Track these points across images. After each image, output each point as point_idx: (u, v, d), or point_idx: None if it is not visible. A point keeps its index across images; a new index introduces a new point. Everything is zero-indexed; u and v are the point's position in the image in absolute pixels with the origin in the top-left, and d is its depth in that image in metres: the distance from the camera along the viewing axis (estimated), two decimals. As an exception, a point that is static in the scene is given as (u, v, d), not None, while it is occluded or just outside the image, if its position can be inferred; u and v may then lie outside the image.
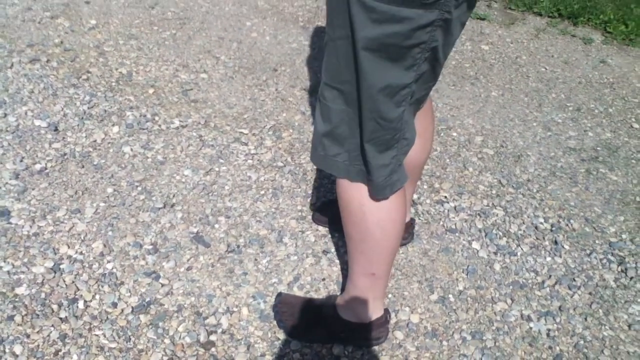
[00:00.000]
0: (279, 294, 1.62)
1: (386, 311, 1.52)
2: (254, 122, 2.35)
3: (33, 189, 1.95)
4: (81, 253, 1.75)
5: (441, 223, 1.95)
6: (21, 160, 2.05)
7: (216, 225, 1.87)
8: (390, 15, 0.98)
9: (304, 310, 1.55)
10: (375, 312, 1.48)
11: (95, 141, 2.17)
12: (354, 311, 1.48)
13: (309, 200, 2.00)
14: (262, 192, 2.02)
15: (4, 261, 1.70)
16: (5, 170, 2.01)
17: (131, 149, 2.15)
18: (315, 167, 2.15)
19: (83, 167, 2.06)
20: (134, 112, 2.32)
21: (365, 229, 1.30)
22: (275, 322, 1.59)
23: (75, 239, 1.79)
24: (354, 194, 1.25)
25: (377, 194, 1.23)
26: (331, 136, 1.19)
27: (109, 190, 1.97)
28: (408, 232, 1.82)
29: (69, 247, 1.76)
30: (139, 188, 1.99)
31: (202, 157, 2.16)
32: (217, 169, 2.11)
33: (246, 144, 2.23)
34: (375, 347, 1.55)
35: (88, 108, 2.32)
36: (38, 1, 3.00)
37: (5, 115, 2.24)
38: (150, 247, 1.79)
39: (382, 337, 1.53)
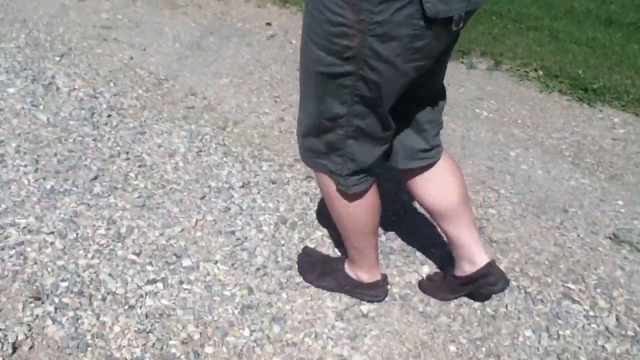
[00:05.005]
0: (305, 247, 1.94)
1: (384, 276, 1.79)
2: (572, 273, 2.02)
3: (365, 336, 1.65)
4: None
5: None
6: (339, 300, 1.78)
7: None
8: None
9: (320, 263, 1.85)
10: (372, 276, 1.75)
11: (409, 282, 1.89)
12: (355, 272, 1.76)
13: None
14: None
15: None
16: (326, 308, 1.73)
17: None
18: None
19: (408, 313, 1.76)
20: (440, 252, 2.04)
21: (334, 211, 1.62)
22: None
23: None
24: (324, 180, 1.55)
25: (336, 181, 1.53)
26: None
27: (452, 348, 1.65)
28: (496, 276, 1.68)
29: None
30: (483, 349, 1.66)
31: (536, 314, 1.82)
32: (560, 332, 1.75)
33: (579, 302, 1.89)
34: None
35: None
36: (287, 112, 2.89)
37: (302, 240, 2.02)
38: None
39: (381, 296, 1.79)
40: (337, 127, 1.40)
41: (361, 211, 1.59)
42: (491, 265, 1.69)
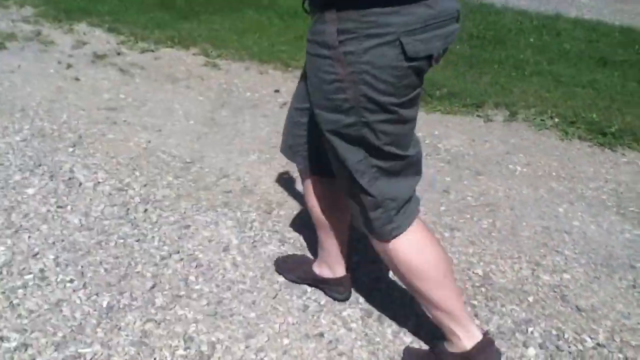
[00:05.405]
0: (406, 348, 1.80)
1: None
2: (671, 339, 1.95)
3: None
4: None
5: None
6: None
7: None
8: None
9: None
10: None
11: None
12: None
13: None
14: None
15: None
16: None
17: (573, 383, 1.74)
18: None
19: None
20: (538, 329, 1.94)
21: (405, 273, 1.56)
22: None
23: None
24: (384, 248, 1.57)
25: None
26: None
27: None
28: (344, 287, 1.97)
29: None
30: None
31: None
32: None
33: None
34: None
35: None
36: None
37: (396, 334, 1.88)
38: None
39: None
40: (359, 176, 1.44)
41: (422, 267, 1.53)
42: (345, 279, 1.97)
